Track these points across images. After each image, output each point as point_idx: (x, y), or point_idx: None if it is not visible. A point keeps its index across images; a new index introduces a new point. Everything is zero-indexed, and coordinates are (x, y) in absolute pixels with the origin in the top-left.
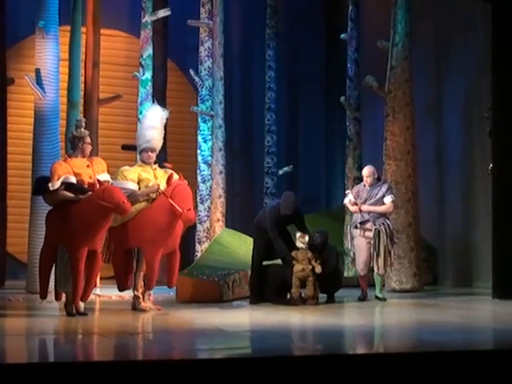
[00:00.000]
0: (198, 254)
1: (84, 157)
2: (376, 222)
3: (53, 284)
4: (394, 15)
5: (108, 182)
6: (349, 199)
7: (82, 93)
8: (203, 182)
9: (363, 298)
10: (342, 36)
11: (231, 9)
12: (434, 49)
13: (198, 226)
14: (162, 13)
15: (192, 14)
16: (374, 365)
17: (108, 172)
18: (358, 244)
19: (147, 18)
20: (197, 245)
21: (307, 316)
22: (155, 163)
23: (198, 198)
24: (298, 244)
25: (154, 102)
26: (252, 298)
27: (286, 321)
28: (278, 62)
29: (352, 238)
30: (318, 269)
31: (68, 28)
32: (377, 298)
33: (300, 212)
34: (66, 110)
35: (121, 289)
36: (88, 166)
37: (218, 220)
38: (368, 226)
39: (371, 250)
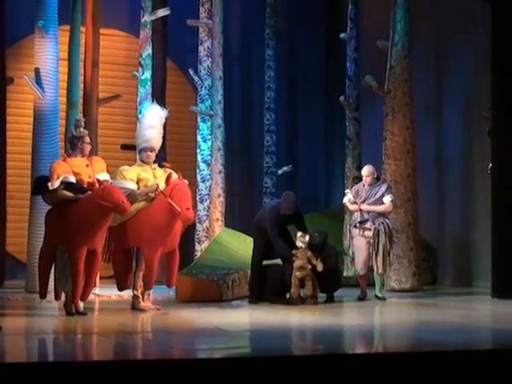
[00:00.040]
0: (198, 254)
1: (83, 156)
2: (375, 221)
3: (52, 283)
4: (394, 15)
5: (107, 181)
6: (348, 198)
7: (81, 92)
8: (202, 182)
9: (362, 298)
10: (342, 35)
11: (230, 8)
12: (433, 48)
13: (198, 225)
14: (162, 12)
15: (191, 14)
16: (374, 364)
17: (107, 171)
18: (358, 243)
19: (146, 18)
20: (196, 244)
21: (307, 316)
22: (154, 163)
23: (198, 197)
24: (298, 243)
25: (153, 101)
26: (251, 297)
27: (286, 320)
28: (278, 61)
29: (351, 238)
30: (320, 266)
31: (67, 27)
32: (376, 297)
33: (300, 212)
34: (65, 109)
35: (120, 288)
36: (87, 166)
37: (217, 219)
38: (367, 225)
39: (370, 249)
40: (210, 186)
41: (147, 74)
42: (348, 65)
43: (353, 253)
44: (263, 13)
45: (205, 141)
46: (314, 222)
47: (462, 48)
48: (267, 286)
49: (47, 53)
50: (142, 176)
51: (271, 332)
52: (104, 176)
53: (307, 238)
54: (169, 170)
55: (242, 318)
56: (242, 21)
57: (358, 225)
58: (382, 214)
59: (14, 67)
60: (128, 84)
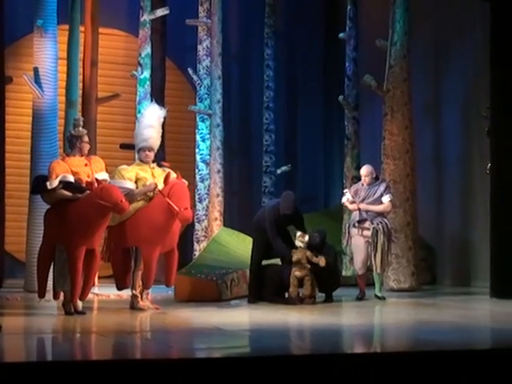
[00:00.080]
0: (197, 253)
1: (82, 156)
2: (374, 221)
3: (51, 283)
4: (393, 14)
5: (106, 180)
6: (347, 198)
7: (80, 92)
8: (201, 181)
9: (361, 298)
10: (341, 35)
11: (229, 7)
12: (432, 48)
13: (197, 225)
14: (161, 12)
15: (190, 13)
16: (372, 364)
17: (106, 171)
18: (356, 243)
19: (146, 17)
20: (195, 244)
21: (305, 315)
22: (153, 162)
23: (197, 196)
24: (298, 243)
25: (152, 100)
26: (250, 297)
27: (285, 320)
28: (277, 60)
29: (350, 237)
30: (322, 261)
31: (66, 27)
32: (377, 297)
33: (299, 212)
34: (64, 108)
35: (119, 288)
36: (86, 165)
37: (216, 219)
38: (366, 225)
39: (369, 249)
40: (209, 186)
41: (146, 74)
42: (347, 64)
43: (351, 252)
44: (262, 12)
45: (203, 140)
46: (312, 221)
47: (461, 48)
48: (266, 286)
49: (46, 52)
50: (141, 175)
51: (270, 331)
52: (103, 175)
53: (306, 237)
54: (167, 170)
55: (240, 318)
56: (241, 20)
57: (356, 224)
58: (381, 214)
59: (13, 66)
60: (127, 83)
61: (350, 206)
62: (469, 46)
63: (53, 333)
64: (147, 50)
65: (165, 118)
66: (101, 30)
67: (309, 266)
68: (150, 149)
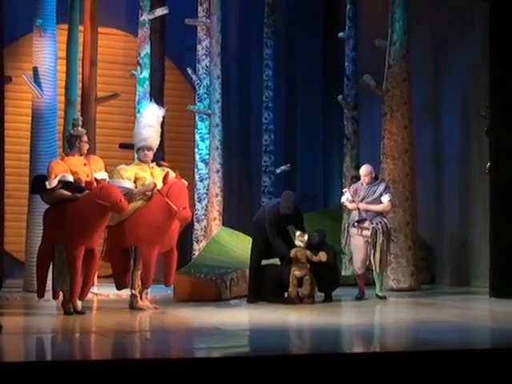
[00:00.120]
0: (196, 253)
1: (81, 155)
2: (373, 220)
3: (50, 283)
4: (392, 14)
5: (105, 180)
6: (346, 198)
7: (79, 91)
8: (201, 181)
9: (360, 297)
10: (340, 35)
11: (229, 7)
12: (431, 48)
13: (196, 224)
14: (160, 11)
15: (190, 13)
16: (372, 364)
17: (105, 170)
18: (356, 243)
19: (145, 17)
20: (194, 243)
21: (305, 315)
22: (152, 162)
23: (196, 196)
24: (297, 243)
25: (151, 100)
26: (250, 296)
27: (284, 320)
28: (276, 60)
29: (349, 237)
30: (324, 256)
31: (66, 26)
32: (377, 296)
33: (299, 212)
34: (63, 108)
35: (119, 287)
36: (85, 165)
37: (215, 219)
38: (365, 224)
39: (368, 248)
40: (208, 185)
41: (145, 73)
42: (346, 64)
43: (351, 252)
44: (261, 12)
45: (203, 140)
46: (312, 221)
47: (461, 47)
48: (265, 286)
49: (45, 52)
50: (140, 175)
51: (269, 331)
52: (102, 175)
53: (306, 237)
54: (166, 169)
55: (240, 318)
56: (240, 20)
57: (356, 224)
58: (380, 214)
59: (13, 66)
60: (126, 83)
61: (350, 206)
62: (468, 46)
63: (52, 332)
64: (146, 49)
65: (164, 118)
66: (100, 29)
67: (308, 266)
68: (149, 148)
